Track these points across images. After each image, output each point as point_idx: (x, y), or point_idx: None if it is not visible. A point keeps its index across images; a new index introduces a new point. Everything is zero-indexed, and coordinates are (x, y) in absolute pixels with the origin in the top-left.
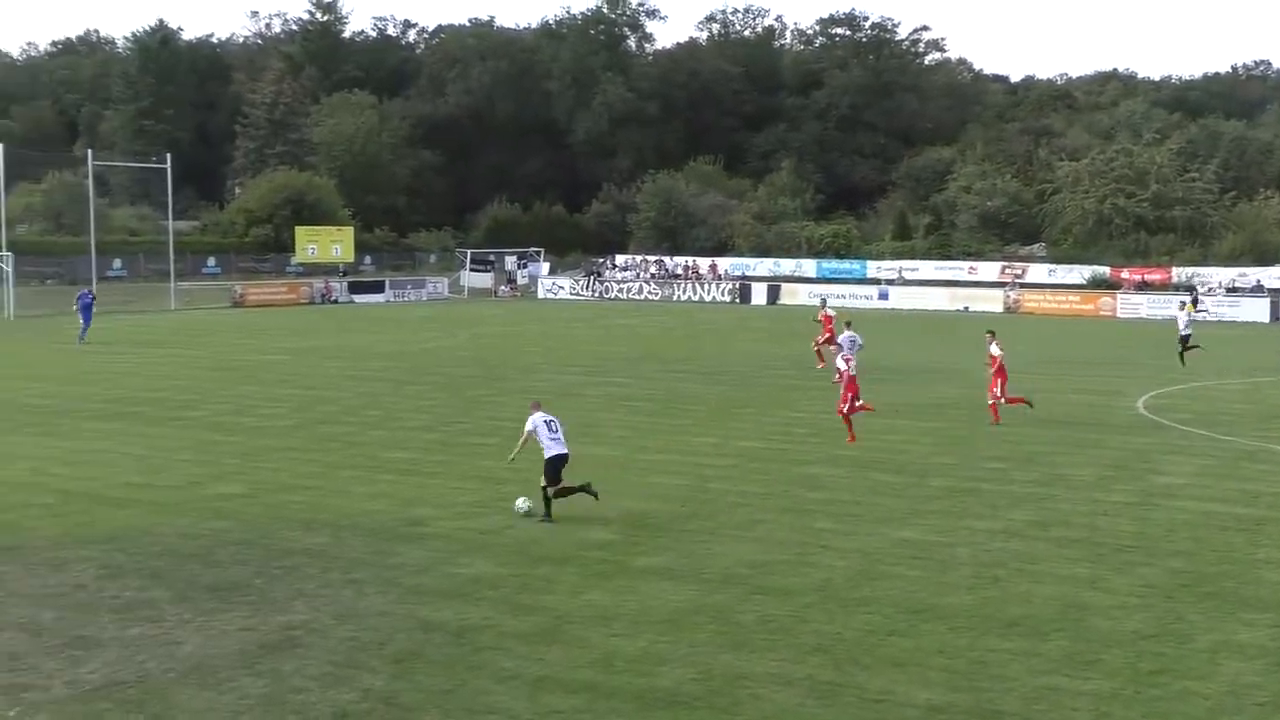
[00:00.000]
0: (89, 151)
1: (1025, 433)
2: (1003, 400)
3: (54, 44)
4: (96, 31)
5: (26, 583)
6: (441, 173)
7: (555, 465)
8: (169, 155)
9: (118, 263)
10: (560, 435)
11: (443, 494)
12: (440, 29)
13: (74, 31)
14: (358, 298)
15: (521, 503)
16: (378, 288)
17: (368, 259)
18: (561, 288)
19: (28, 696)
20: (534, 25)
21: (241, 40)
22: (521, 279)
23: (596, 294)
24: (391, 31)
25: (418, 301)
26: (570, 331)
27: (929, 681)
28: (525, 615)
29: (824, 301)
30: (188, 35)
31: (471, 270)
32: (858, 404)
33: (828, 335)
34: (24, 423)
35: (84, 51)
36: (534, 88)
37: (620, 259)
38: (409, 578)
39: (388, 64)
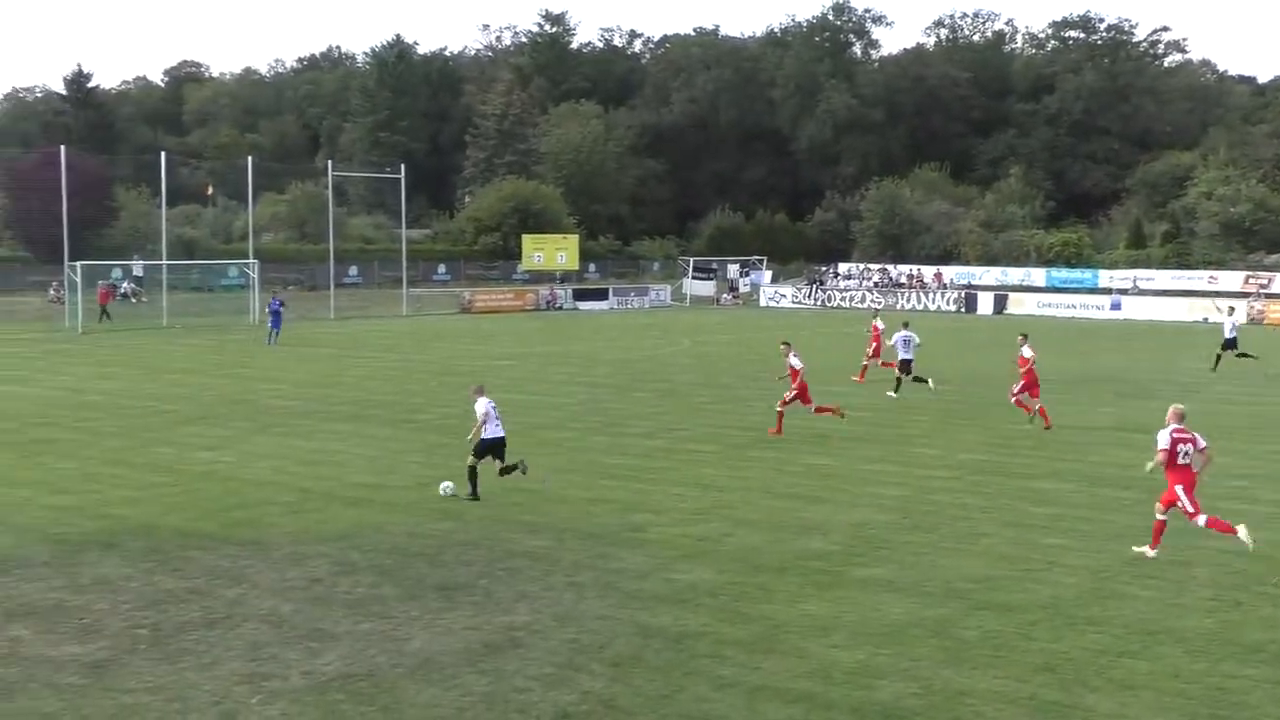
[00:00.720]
0: (329, 163)
1: (1272, 450)
2: (1011, 399)
3: (299, 61)
4: (338, 48)
5: (268, 576)
6: (665, 181)
7: (494, 446)
8: (403, 165)
9: (354, 269)
10: (497, 418)
11: (663, 500)
12: (666, 39)
13: (318, 48)
14: (582, 305)
15: (446, 486)
16: (602, 295)
17: (592, 267)
18: (783, 296)
19: (268, 685)
20: (758, 33)
21: (473, 53)
22: (743, 287)
23: (819, 302)
24: (618, 42)
25: (641, 309)
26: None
27: (1163, 707)
28: (743, 623)
29: (876, 313)
30: (422, 50)
31: (694, 278)
32: (817, 406)
33: (875, 347)
34: (267, 424)
35: (326, 67)
36: (758, 95)
37: (843, 267)
38: (629, 583)
39: (614, 74)
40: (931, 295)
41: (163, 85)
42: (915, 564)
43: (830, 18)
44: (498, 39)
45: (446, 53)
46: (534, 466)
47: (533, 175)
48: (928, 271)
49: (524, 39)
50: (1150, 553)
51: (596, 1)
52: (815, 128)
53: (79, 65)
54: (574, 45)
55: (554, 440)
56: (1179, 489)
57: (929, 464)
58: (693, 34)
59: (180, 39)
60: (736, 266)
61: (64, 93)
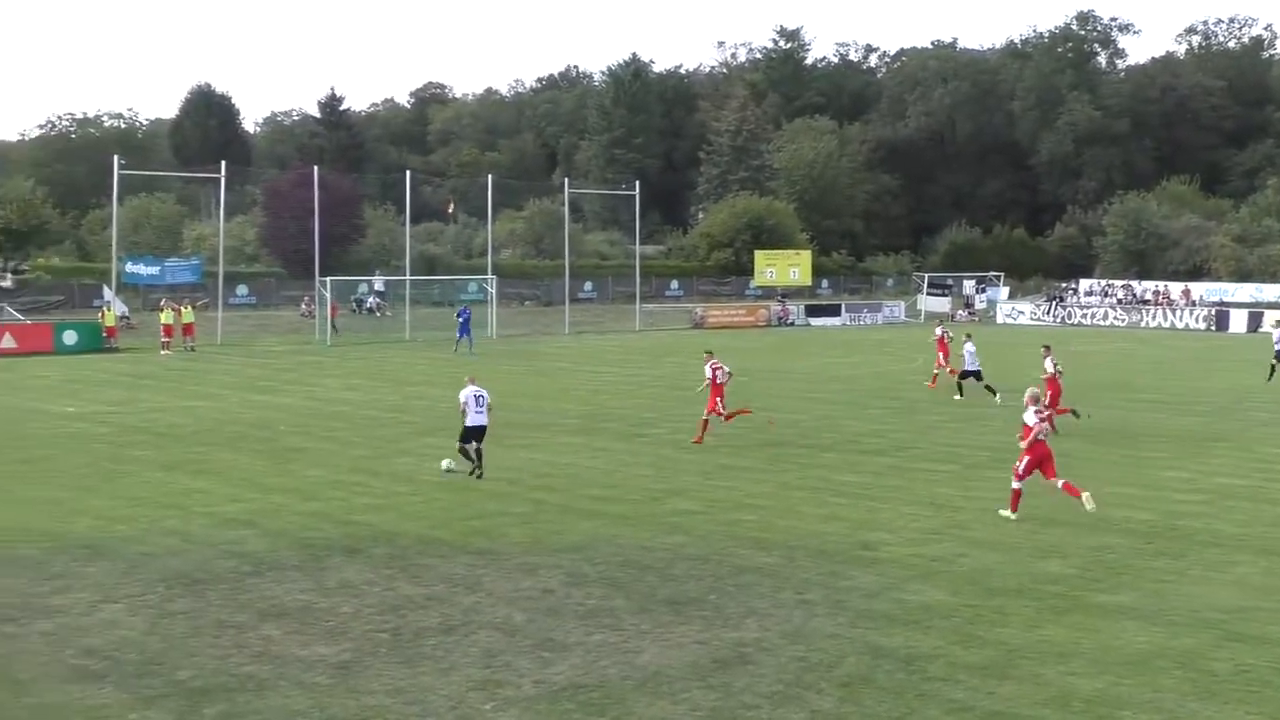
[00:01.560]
0: (565, 180)
1: None
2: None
3: (539, 80)
4: (576, 67)
5: (502, 585)
6: (899, 196)
7: (473, 433)
8: (637, 182)
9: (589, 285)
10: (484, 409)
11: (895, 519)
12: (902, 52)
13: (556, 68)
14: (814, 321)
15: (445, 464)
16: (834, 311)
17: (824, 283)
18: (1021, 312)
19: (501, 692)
20: (998, 45)
21: (707, 70)
22: (980, 303)
23: (1058, 319)
24: (853, 56)
25: (874, 325)
26: (1026, 358)
27: None
28: (977, 647)
29: (940, 322)
30: (658, 68)
31: (929, 294)
32: (727, 411)
33: (943, 355)
34: (505, 435)
35: (564, 87)
36: (996, 108)
37: (1084, 283)
38: (859, 601)
39: (848, 89)
40: (1179, 313)
41: (408, 106)
42: (1160, 591)
43: (1074, 27)
44: (732, 56)
45: (681, 70)
46: (760, 481)
47: (766, 191)
48: (1175, 288)
49: (758, 55)
50: (1011, 515)
51: (832, 17)
52: (1056, 140)
53: (332, 89)
54: (808, 61)
55: (785, 457)
56: (1028, 460)
57: (1176, 487)
58: (930, 47)
59: (426, 62)
60: (972, 283)
61: (318, 115)
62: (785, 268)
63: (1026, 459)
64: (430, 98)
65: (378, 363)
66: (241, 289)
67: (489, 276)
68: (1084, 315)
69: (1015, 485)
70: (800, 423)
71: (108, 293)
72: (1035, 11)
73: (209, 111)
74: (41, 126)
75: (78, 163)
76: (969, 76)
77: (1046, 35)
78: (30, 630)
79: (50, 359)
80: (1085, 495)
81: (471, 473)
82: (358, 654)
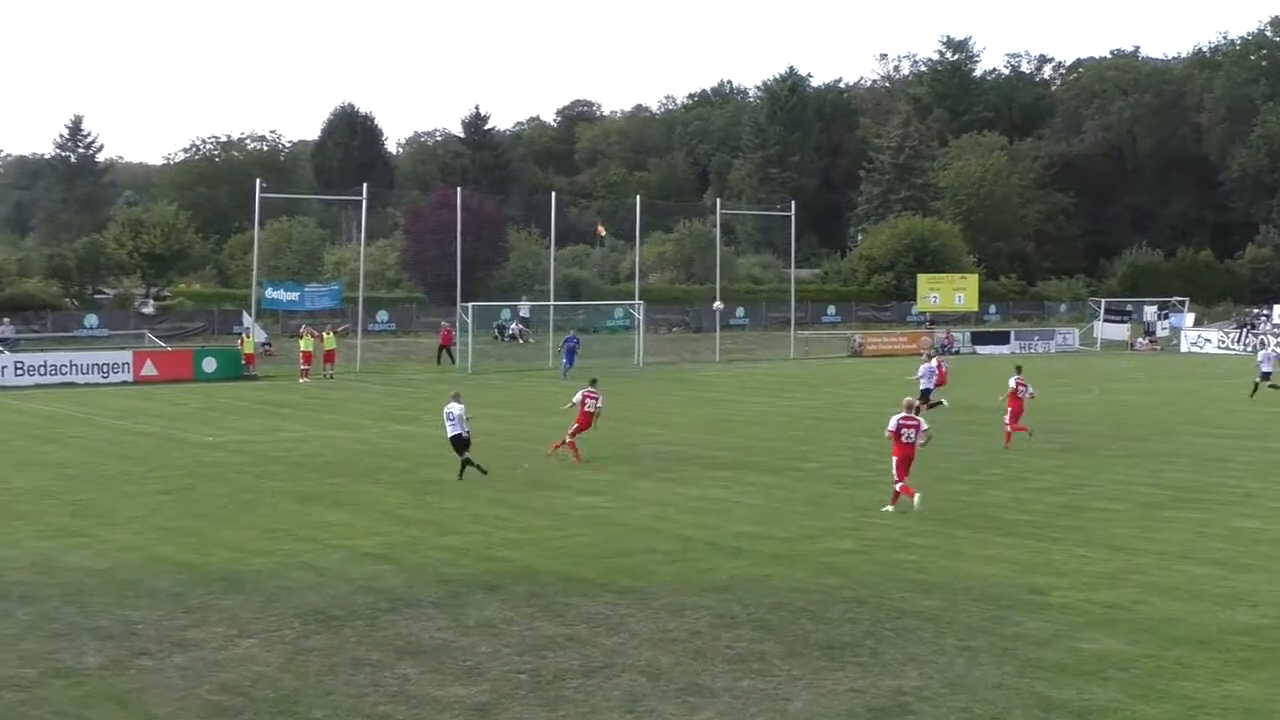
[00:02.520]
0: (717, 200)
1: None
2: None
3: (690, 96)
4: (729, 82)
5: (647, 626)
6: (1074, 216)
7: (454, 443)
8: (793, 202)
9: (740, 311)
10: (456, 420)
11: (1067, 562)
12: (1079, 63)
13: (709, 84)
14: (981, 349)
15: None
16: (1003, 338)
17: (992, 308)
18: (1208, 341)
19: None
20: (1183, 54)
21: (869, 84)
22: (1161, 330)
23: (1249, 348)
24: (1025, 68)
25: (1046, 353)
26: (1216, 390)
27: None
28: (1158, 701)
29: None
30: (816, 82)
31: (1105, 321)
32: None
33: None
34: (651, 469)
35: (717, 102)
36: (1181, 121)
37: (1278, 310)
38: (1027, 650)
39: (1019, 102)
40: None
41: (554, 125)
42: None
43: (1269, 34)
44: (895, 69)
45: (841, 84)
46: (921, 519)
47: (930, 211)
48: None
49: (923, 68)
50: (891, 509)
51: (1002, 26)
52: (1248, 155)
53: (476, 107)
54: (977, 73)
55: (948, 493)
56: (896, 460)
57: None
58: (1109, 57)
59: (573, 78)
60: (1154, 308)
61: (461, 135)
62: (950, 292)
63: (895, 459)
64: (578, 115)
65: (520, 391)
66: (382, 315)
67: (636, 301)
68: (1279, 344)
69: (897, 485)
70: (963, 457)
71: (247, 319)
72: (1225, 17)
73: (351, 132)
74: (186, 150)
75: (220, 186)
76: (1151, 88)
77: (1238, 42)
78: (166, 664)
79: (190, 386)
80: (917, 496)
81: (463, 472)
82: (495, 695)
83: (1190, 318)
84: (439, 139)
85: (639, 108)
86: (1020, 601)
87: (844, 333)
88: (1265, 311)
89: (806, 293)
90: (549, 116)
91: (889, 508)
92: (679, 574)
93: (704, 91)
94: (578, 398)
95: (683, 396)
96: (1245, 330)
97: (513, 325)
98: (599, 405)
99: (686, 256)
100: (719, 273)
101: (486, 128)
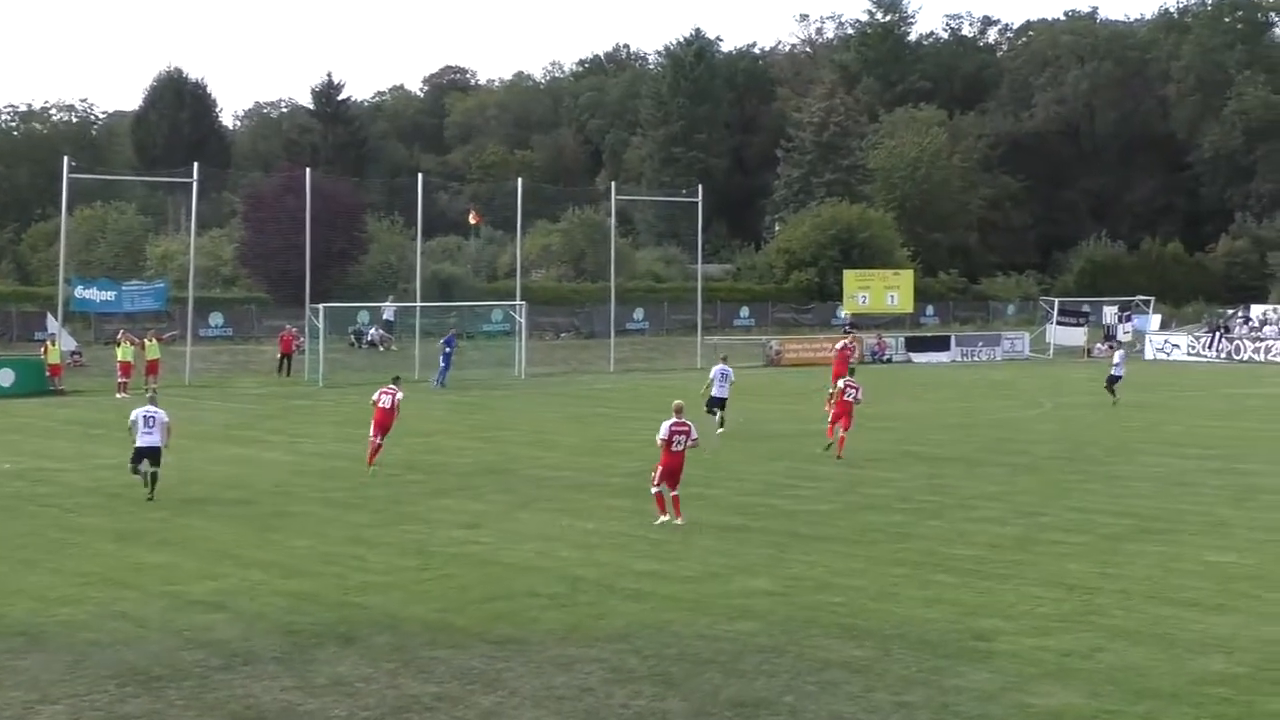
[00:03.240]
0: (612, 184)
1: None
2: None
3: (580, 64)
4: (626, 47)
5: (530, 683)
6: (1023, 203)
7: (140, 453)
8: (700, 187)
9: (639, 313)
10: (153, 430)
11: (1015, 603)
12: (1028, 26)
13: (602, 48)
14: (917, 356)
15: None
16: (942, 344)
17: (929, 310)
18: (1176, 346)
19: None
20: (1148, 16)
21: (787, 49)
22: (1123, 334)
23: (1223, 354)
24: (967, 32)
25: (991, 361)
26: (1185, 402)
27: None
28: None
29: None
30: (726, 47)
31: (1059, 324)
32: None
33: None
34: (534, 497)
35: (612, 70)
36: (1145, 93)
37: (1258, 310)
38: (971, 705)
39: (961, 71)
40: None
41: (421, 96)
42: None
43: None
44: (818, 32)
45: (756, 50)
46: (848, 555)
47: (858, 197)
48: None
49: (850, 31)
50: (665, 519)
51: None
52: (1222, 133)
53: (329, 75)
54: (912, 37)
55: (880, 524)
56: (661, 468)
57: None
58: (1063, 19)
59: (443, 43)
60: (1114, 309)
61: (311, 107)
62: (881, 291)
63: (659, 468)
64: (448, 85)
65: None
66: (216, 318)
67: (517, 303)
68: (1256, 350)
69: (653, 490)
70: (897, 482)
71: (52, 324)
72: None
73: (179, 103)
74: None
75: (19, 165)
76: (1111, 54)
77: (1209, 3)
78: None
79: None
80: (679, 520)
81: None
82: None
83: (1156, 320)
84: (284, 111)
85: (520, 76)
86: (962, 649)
87: (759, 338)
88: (1242, 313)
89: (716, 292)
90: (414, 86)
91: (664, 518)
92: (567, 620)
93: (596, 58)
94: (375, 395)
95: (572, 413)
96: (1218, 334)
97: (372, 330)
98: (398, 400)
99: (577, 250)
100: (614, 268)
101: (341, 98)
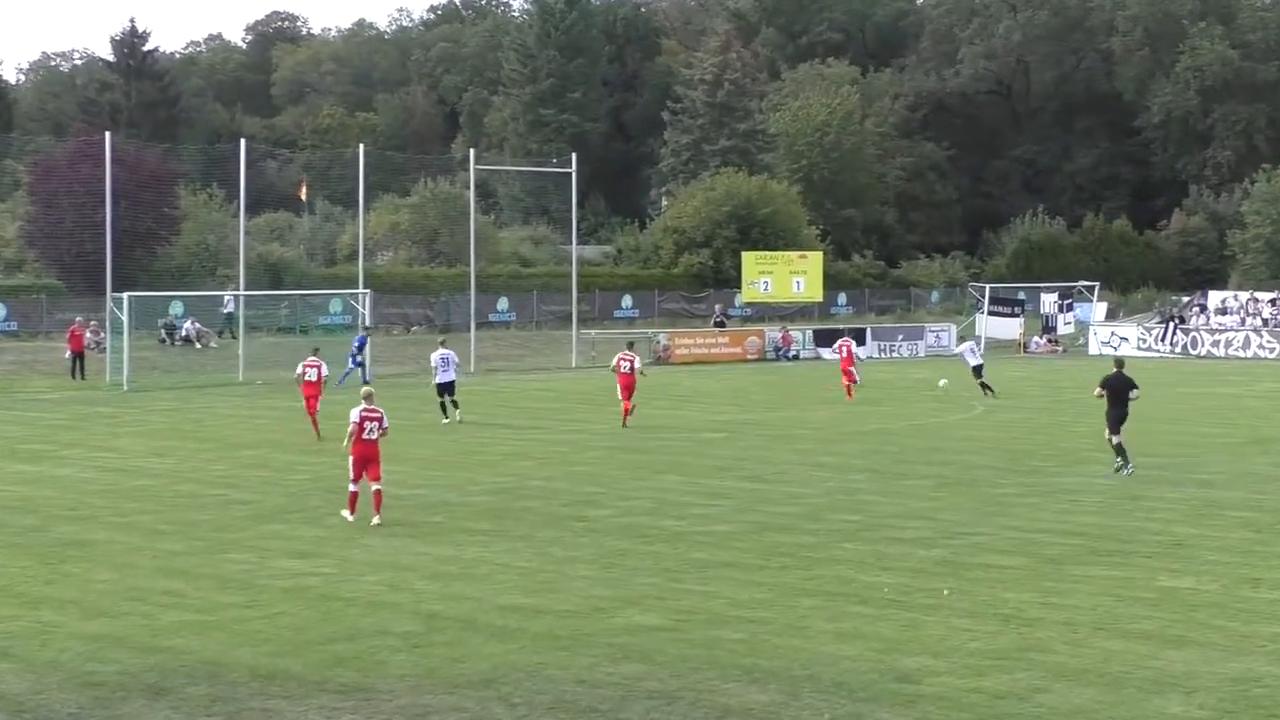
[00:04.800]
0: (471, 152)
1: None
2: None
3: (431, 10)
4: None
5: None
6: (948, 174)
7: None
8: (574, 155)
9: (504, 303)
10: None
11: (944, 637)
12: None
13: None
14: (827, 352)
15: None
16: (855, 338)
17: (842, 298)
18: (1124, 339)
19: None
20: None
21: None
22: (1064, 325)
23: (1178, 347)
24: None
25: (914, 358)
26: (1137, 405)
27: None
28: None
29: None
30: None
31: (990, 314)
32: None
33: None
34: (384, 523)
35: (469, 19)
36: (1086, 47)
37: (1215, 297)
38: None
39: (875, 20)
40: None
41: (244, 47)
42: None
43: None
44: None
45: None
46: (750, 583)
47: (758, 167)
48: None
49: None
50: (350, 517)
51: None
52: (1174, 93)
53: (131, 21)
54: None
55: (787, 547)
56: (353, 458)
57: None
58: None
59: None
60: (1053, 297)
61: (111, 59)
62: (786, 276)
63: (351, 459)
64: (275, 35)
65: (197, 415)
66: None
67: (359, 291)
68: (1215, 343)
69: (351, 488)
70: (807, 499)
71: None
72: None
73: None
74: None
75: None
76: (1048, 4)
77: None
78: None
79: None
80: (352, 517)
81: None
82: None
83: (1101, 309)
84: (78, 64)
85: (361, 25)
86: (883, 692)
87: (644, 331)
88: (1199, 300)
89: (594, 278)
90: (235, 35)
91: (347, 514)
92: (422, 664)
93: (451, 4)
94: (299, 369)
95: (425, 421)
96: (1172, 325)
97: (187, 324)
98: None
99: (430, 229)
100: (474, 251)
101: (147, 49)
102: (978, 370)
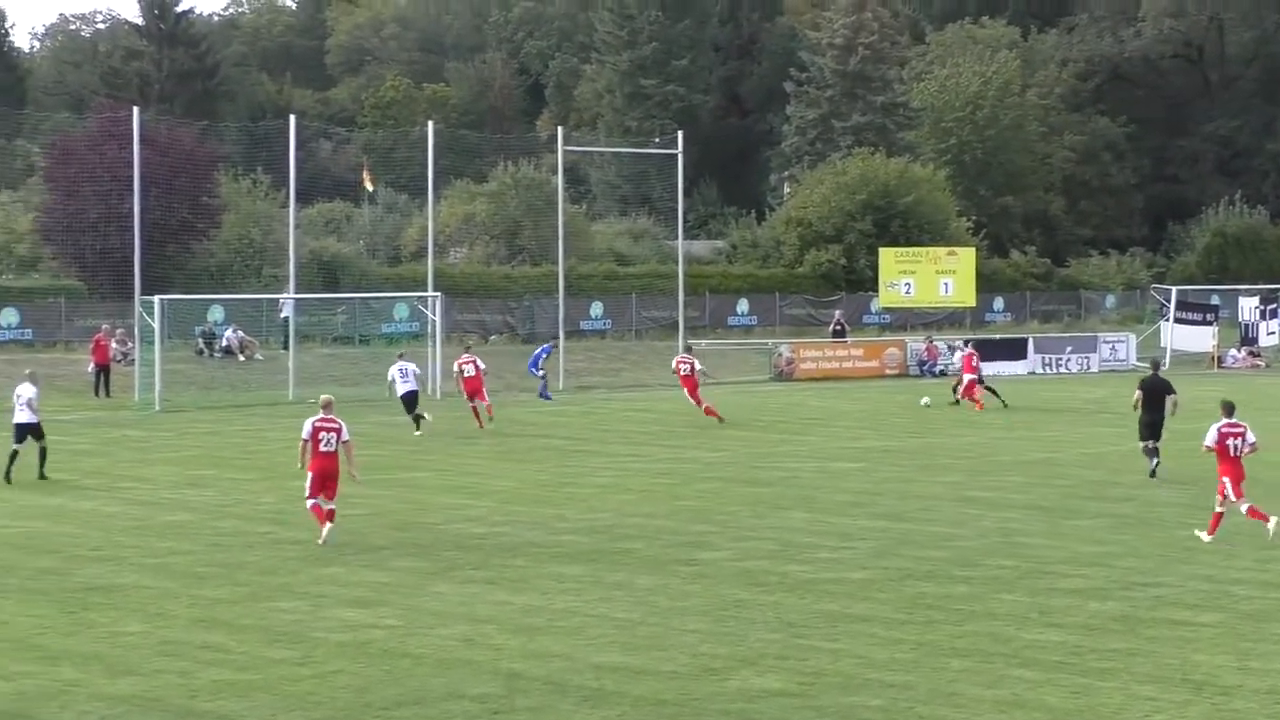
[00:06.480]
0: (558, 130)
1: None
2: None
3: None
4: None
5: None
6: (1126, 155)
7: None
8: (680, 134)
9: (597, 308)
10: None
11: (1122, 707)
12: None
13: None
14: (982, 367)
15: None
16: (1016, 350)
17: (998, 303)
18: None
19: None
20: None
21: None
22: (1267, 335)
23: None
24: None
25: (1084, 373)
26: None
27: None
28: None
29: (966, 342)
30: None
31: (1177, 322)
32: None
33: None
34: (455, 563)
35: None
36: None
37: None
38: None
39: None
40: None
41: (293, 8)
42: None
43: None
44: None
45: None
46: (889, 639)
47: (898, 147)
48: None
49: None
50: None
51: None
52: None
53: None
54: None
55: (933, 598)
56: (311, 474)
57: None
58: None
59: None
60: (1254, 301)
61: (139, 23)
62: (931, 277)
63: (310, 475)
64: None
65: (240, 439)
66: (8, 315)
67: (428, 294)
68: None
69: (308, 502)
70: (957, 541)
71: None
72: None
73: None
74: None
75: None
76: None
77: None
78: None
79: None
80: (327, 528)
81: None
82: None
83: None
84: (101, 28)
85: None
86: None
87: (762, 341)
88: None
89: (704, 278)
90: None
91: (324, 530)
92: None
93: None
94: (455, 367)
95: (506, 447)
96: None
97: (229, 331)
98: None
99: (510, 221)
100: (562, 247)
101: (180, 10)
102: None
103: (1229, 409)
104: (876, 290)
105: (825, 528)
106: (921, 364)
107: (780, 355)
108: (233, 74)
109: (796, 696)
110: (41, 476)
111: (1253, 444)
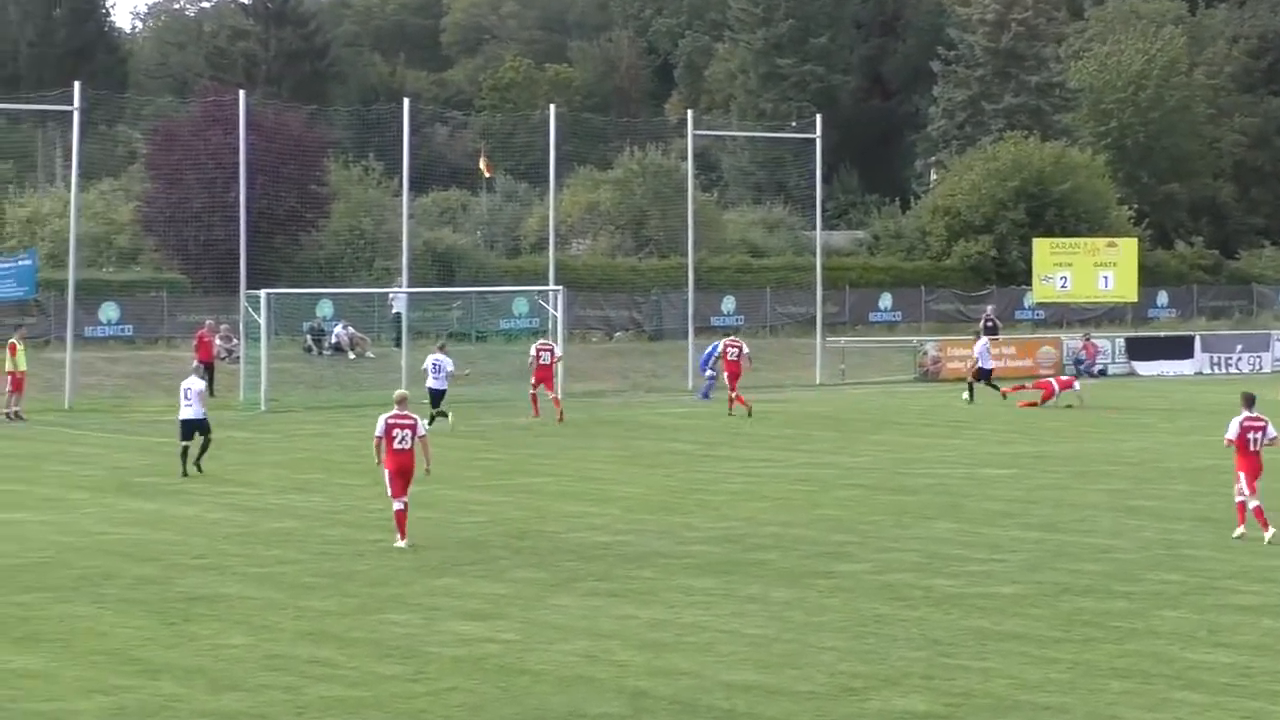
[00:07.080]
0: (689, 114)
1: None
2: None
3: None
4: None
5: None
6: None
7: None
8: (818, 117)
9: (729, 302)
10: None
11: None
12: None
13: None
14: (1143, 367)
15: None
16: (1182, 349)
17: (1162, 297)
18: None
19: None
20: None
21: None
22: None
23: None
24: None
25: (1257, 373)
26: None
27: None
28: None
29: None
30: None
31: None
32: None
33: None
34: (577, 574)
35: None
36: None
37: None
38: None
39: None
40: None
41: None
42: None
43: None
44: None
45: None
46: (1044, 658)
47: (1054, 131)
48: None
49: None
50: (402, 544)
51: None
52: None
53: None
54: None
55: (1090, 615)
56: (389, 471)
57: None
58: None
59: None
60: None
61: (246, 1)
62: (1090, 270)
63: (388, 473)
64: None
65: (351, 444)
66: (108, 310)
67: (550, 288)
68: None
69: (395, 506)
70: (1117, 553)
71: None
72: None
73: None
74: None
75: None
76: None
77: None
78: None
79: None
80: (405, 542)
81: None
82: None
83: None
84: (206, 8)
85: None
86: None
87: (907, 339)
88: None
89: (843, 271)
90: None
91: (400, 541)
92: None
93: None
94: (532, 352)
95: (632, 451)
96: None
97: (337, 327)
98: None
99: (637, 210)
100: (692, 237)
101: None
102: (985, 374)
103: (1249, 401)
104: (1030, 284)
105: (974, 539)
106: (1079, 363)
107: (926, 353)
108: (343, 55)
109: (942, 719)
110: (198, 468)
111: (1272, 438)
